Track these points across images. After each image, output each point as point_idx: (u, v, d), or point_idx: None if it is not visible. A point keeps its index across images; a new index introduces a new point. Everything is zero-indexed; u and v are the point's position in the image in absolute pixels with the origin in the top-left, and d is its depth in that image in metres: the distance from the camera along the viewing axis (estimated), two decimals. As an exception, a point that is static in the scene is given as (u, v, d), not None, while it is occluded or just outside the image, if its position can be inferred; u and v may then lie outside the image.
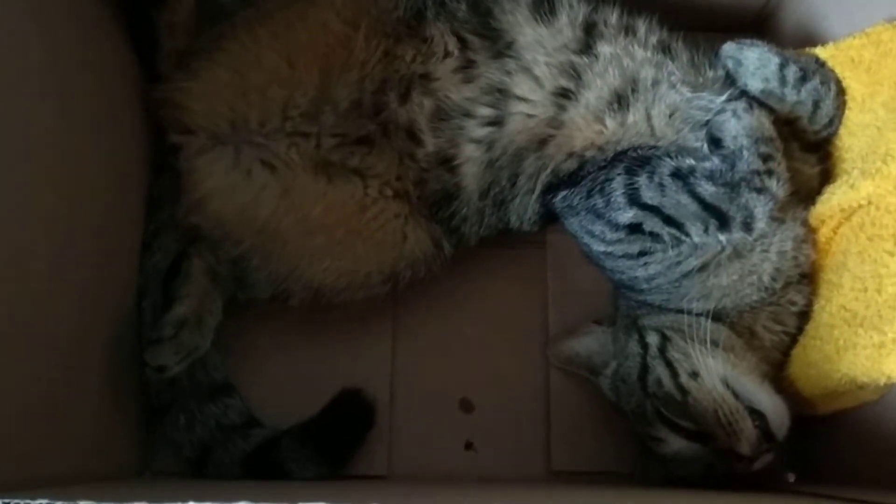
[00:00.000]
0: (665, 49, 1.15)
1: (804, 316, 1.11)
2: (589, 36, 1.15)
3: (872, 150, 1.01)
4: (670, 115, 1.11)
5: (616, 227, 1.10)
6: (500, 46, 1.16)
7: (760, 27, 1.41)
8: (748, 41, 1.13)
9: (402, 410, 1.28)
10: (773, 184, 1.03)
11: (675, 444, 1.07)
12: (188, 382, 1.18)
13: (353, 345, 1.30)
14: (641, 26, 1.16)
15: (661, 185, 1.06)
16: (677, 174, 1.05)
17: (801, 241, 1.09)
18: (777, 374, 1.11)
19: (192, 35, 1.16)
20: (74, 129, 1.01)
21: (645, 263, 1.11)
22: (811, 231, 1.10)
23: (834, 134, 1.13)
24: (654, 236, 1.08)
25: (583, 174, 1.14)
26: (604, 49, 1.13)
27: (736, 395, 1.03)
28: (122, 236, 1.17)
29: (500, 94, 1.14)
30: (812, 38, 1.23)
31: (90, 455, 1.07)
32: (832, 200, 1.04)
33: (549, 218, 1.23)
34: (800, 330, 1.11)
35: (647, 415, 1.09)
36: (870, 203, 0.99)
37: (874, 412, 1.03)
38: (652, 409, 1.09)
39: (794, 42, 1.23)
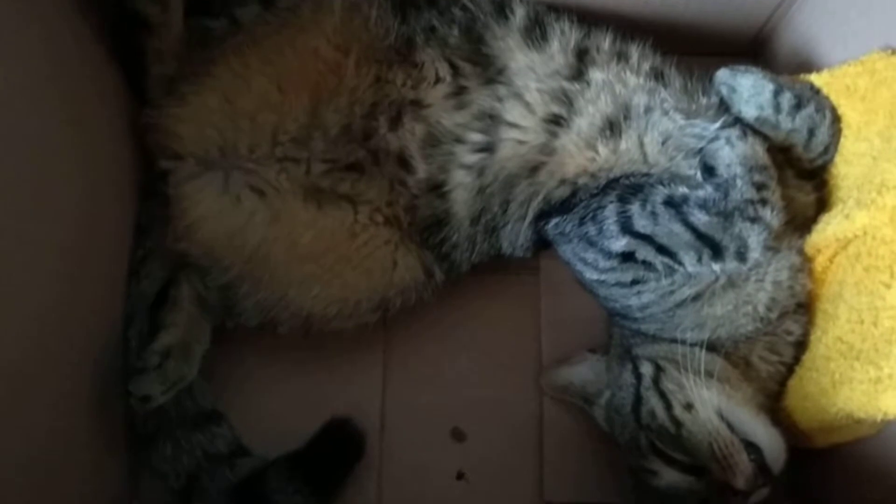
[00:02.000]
0: (658, 75, 1.14)
1: (801, 346, 1.09)
2: (581, 62, 1.14)
3: (868, 180, 0.99)
4: (663, 143, 1.10)
5: (609, 255, 1.09)
6: (492, 73, 1.15)
7: (756, 52, 1.41)
8: (742, 67, 1.12)
9: (393, 440, 1.26)
10: (767, 213, 1.01)
11: (669, 477, 1.05)
12: (175, 411, 1.17)
13: (343, 373, 1.28)
14: (634, 52, 1.16)
15: (654, 214, 1.04)
16: (670, 202, 1.04)
17: (796, 271, 1.08)
18: (774, 405, 1.09)
19: (181, 60, 1.15)
20: (60, 155, 1.00)
21: (638, 292, 1.10)
22: (807, 260, 1.08)
23: (829, 161, 1.12)
24: (647, 265, 1.07)
25: (575, 201, 1.13)
26: (596, 75, 1.13)
27: (731, 427, 1.01)
28: (110, 263, 1.15)
29: (492, 120, 1.14)
30: (807, 65, 1.23)
31: (77, 485, 1.06)
32: (827, 230, 1.03)
33: (542, 244, 1.22)
34: (797, 360, 1.09)
35: (641, 447, 1.07)
36: (865, 233, 0.97)
37: (873, 447, 1.01)
38: (646, 441, 1.07)
39: (789, 68, 1.23)
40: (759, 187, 1.02)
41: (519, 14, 1.18)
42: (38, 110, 0.95)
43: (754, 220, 1.01)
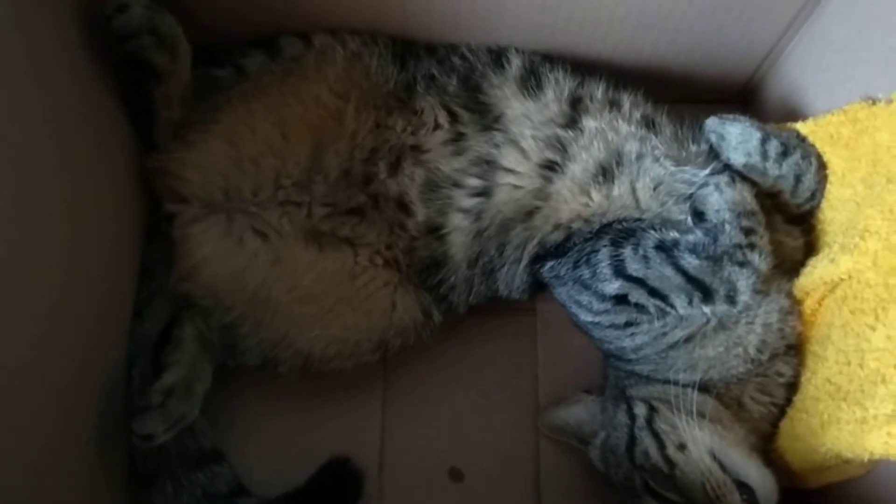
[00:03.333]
0: (649, 123, 1.17)
1: (792, 387, 1.10)
2: (575, 110, 1.18)
3: (852, 225, 1.01)
4: (654, 188, 1.12)
5: (602, 297, 1.11)
6: (489, 120, 1.19)
7: (745, 100, 1.45)
8: (731, 116, 1.15)
9: (392, 479, 1.27)
10: (755, 257, 1.03)
11: (663, 517, 1.06)
12: (176, 449, 1.17)
13: (342, 412, 1.30)
14: (626, 101, 1.19)
15: (646, 258, 1.07)
16: (661, 247, 1.07)
17: (786, 313, 1.09)
18: (766, 445, 1.11)
19: (188, 107, 1.18)
20: (69, 198, 1.02)
21: (632, 334, 1.12)
22: (796, 303, 1.10)
23: (816, 207, 1.14)
24: (640, 307, 1.09)
25: (569, 245, 1.15)
26: (589, 123, 1.16)
27: (723, 467, 1.03)
28: (115, 305, 1.16)
29: (488, 166, 1.17)
30: (794, 113, 1.26)
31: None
32: (814, 274, 1.05)
33: (538, 287, 1.24)
34: (788, 401, 1.10)
35: (636, 487, 1.08)
36: (850, 277, 0.99)
37: (863, 487, 1.02)
38: (640, 481, 1.08)
39: (777, 116, 1.26)
40: (748, 232, 1.04)
41: (515, 64, 1.22)
42: (46, 153, 0.96)
43: (743, 264, 1.03)
